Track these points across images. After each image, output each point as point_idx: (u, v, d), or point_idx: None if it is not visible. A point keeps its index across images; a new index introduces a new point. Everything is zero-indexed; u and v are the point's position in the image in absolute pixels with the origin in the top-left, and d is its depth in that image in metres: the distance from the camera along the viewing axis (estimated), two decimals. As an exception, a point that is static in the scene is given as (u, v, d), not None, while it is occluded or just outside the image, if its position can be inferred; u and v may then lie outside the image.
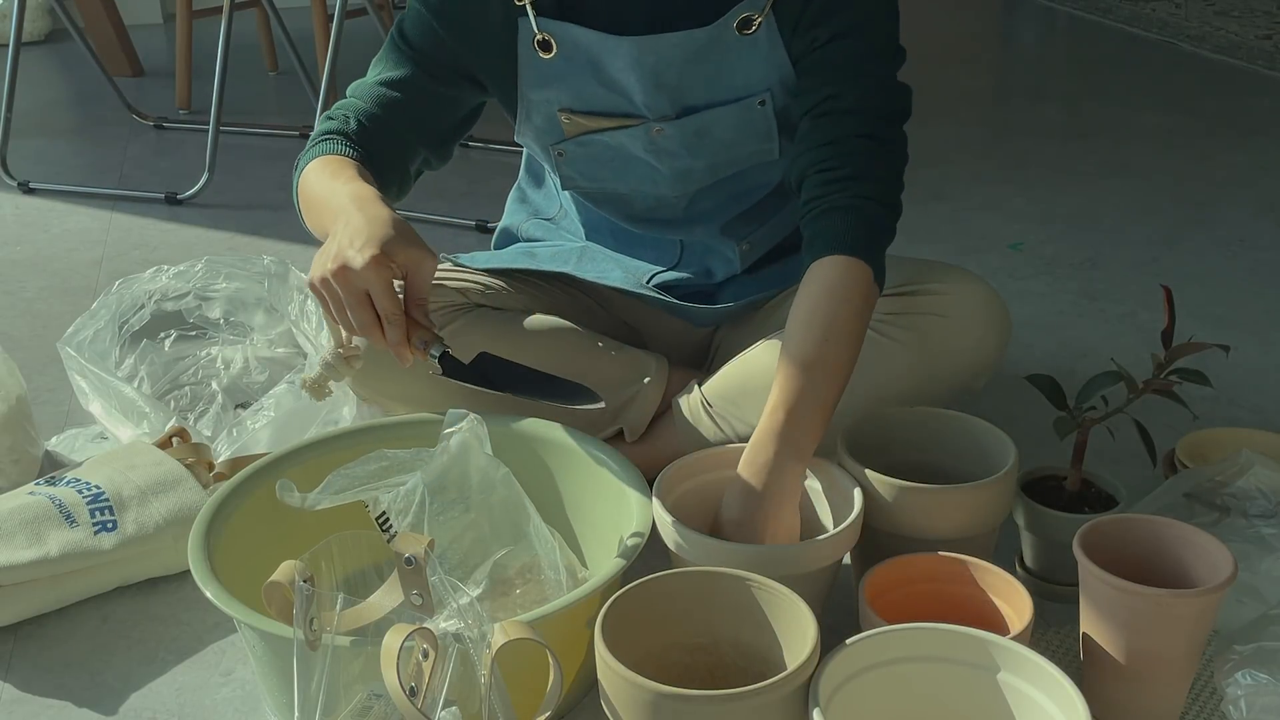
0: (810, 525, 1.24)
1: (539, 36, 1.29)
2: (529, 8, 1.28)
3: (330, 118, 1.32)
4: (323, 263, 1.10)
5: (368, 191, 1.17)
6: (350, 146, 1.28)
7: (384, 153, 1.31)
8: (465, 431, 1.13)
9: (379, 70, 1.35)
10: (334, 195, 1.18)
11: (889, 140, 1.25)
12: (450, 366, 1.13)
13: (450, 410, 1.16)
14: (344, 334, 1.20)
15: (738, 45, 1.28)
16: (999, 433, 1.26)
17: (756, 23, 1.26)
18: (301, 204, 1.28)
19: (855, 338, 1.18)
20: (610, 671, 0.95)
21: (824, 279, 1.19)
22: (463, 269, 1.46)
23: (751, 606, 1.05)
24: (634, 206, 1.44)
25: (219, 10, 2.57)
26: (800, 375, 1.15)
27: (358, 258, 1.07)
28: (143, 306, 1.66)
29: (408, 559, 0.99)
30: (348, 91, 1.36)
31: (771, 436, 1.15)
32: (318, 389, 1.23)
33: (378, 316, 1.10)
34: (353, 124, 1.30)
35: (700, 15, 1.27)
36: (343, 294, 1.09)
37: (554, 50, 1.29)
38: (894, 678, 0.98)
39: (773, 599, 1.04)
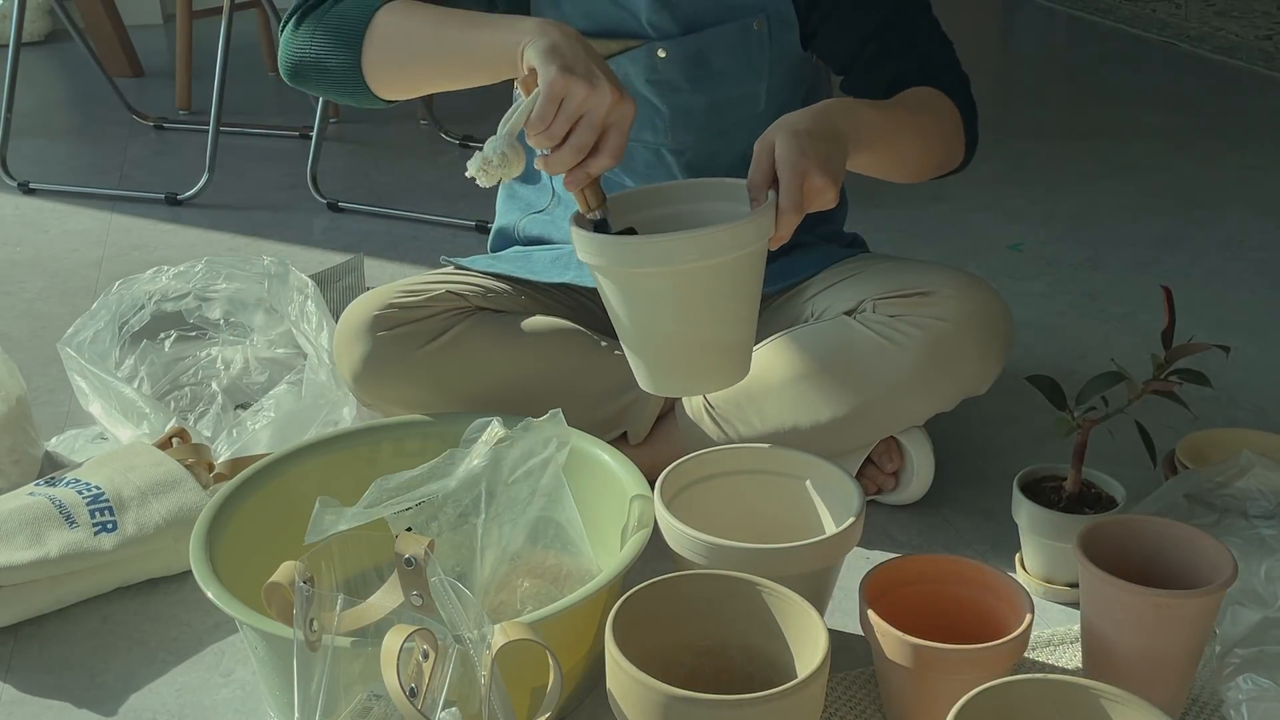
0: (811, 527, 1.24)
1: None
2: None
3: None
4: (587, 69, 1.06)
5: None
6: None
7: None
8: (485, 442, 1.13)
9: None
10: (485, 18, 1.16)
11: (937, 36, 1.37)
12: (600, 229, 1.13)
13: (476, 420, 1.16)
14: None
15: None
16: None
17: None
18: (389, 39, 1.21)
19: (932, 139, 1.30)
20: (621, 672, 0.95)
21: (933, 94, 1.32)
22: (464, 272, 1.46)
23: (762, 612, 1.04)
24: (635, 164, 1.44)
25: (219, 10, 2.57)
26: (895, 106, 1.27)
27: (628, 92, 1.07)
28: (143, 307, 1.66)
29: (408, 560, 0.99)
30: None
31: (859, 103, 1.22)
32: (489, 171, 1.10)
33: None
34: None
35: None
36: (589, 112, 1.06)
37: None
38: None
39: (784, 605, 1.03)
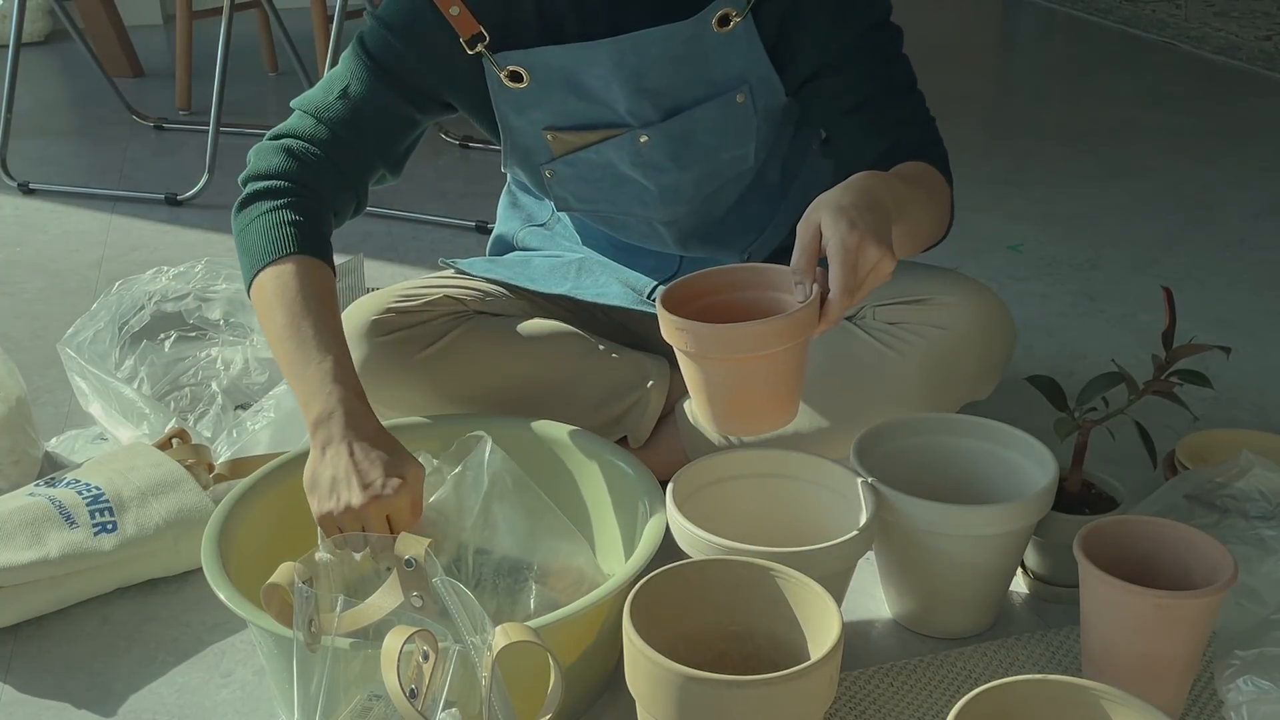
0: (824, 530, 1.23)
1: (505, 71, 1.28)
2: (484, 52, 1.26)
3: (289, 153, 1.27)
4: (346, 496, 1.08)
5: (354, 383, 1.14)
6: (307, 206, 1.24)
7: (344, 183, 1.29)
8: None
9: (341, 85, 1.30)
10: (309, 365, 1.14)
11: (924, 112, 1.31)
12: None
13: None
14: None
15: (716, 41, 1.27)
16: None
17: (734, 21, 1.26)
18: (260, 309, 1.20)
19: (936, 212, 1.24)
20: (634, 649, 0.95)
21: (926, 168, 1.26)
22: (462, 276, 1.46)
23: (777, 599, 1.04)
24: (629, 230, 1.43)
25: (219, 11, 2.57)
26: (906, 178, 1.19)
27: (387, 489, 1.07)
28: (142, 307, 1.66)
29: (408, 561, 0.99)
30: (300, 107, 1.31)
31: (886, 175, 1.15)
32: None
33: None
34: (310, 167, 1.27)
35: (673, 13, 1.25)
36: (372, 523, 1.08)
37: (525, 80, 1.28)
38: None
39: (797, 590, 1.03)
